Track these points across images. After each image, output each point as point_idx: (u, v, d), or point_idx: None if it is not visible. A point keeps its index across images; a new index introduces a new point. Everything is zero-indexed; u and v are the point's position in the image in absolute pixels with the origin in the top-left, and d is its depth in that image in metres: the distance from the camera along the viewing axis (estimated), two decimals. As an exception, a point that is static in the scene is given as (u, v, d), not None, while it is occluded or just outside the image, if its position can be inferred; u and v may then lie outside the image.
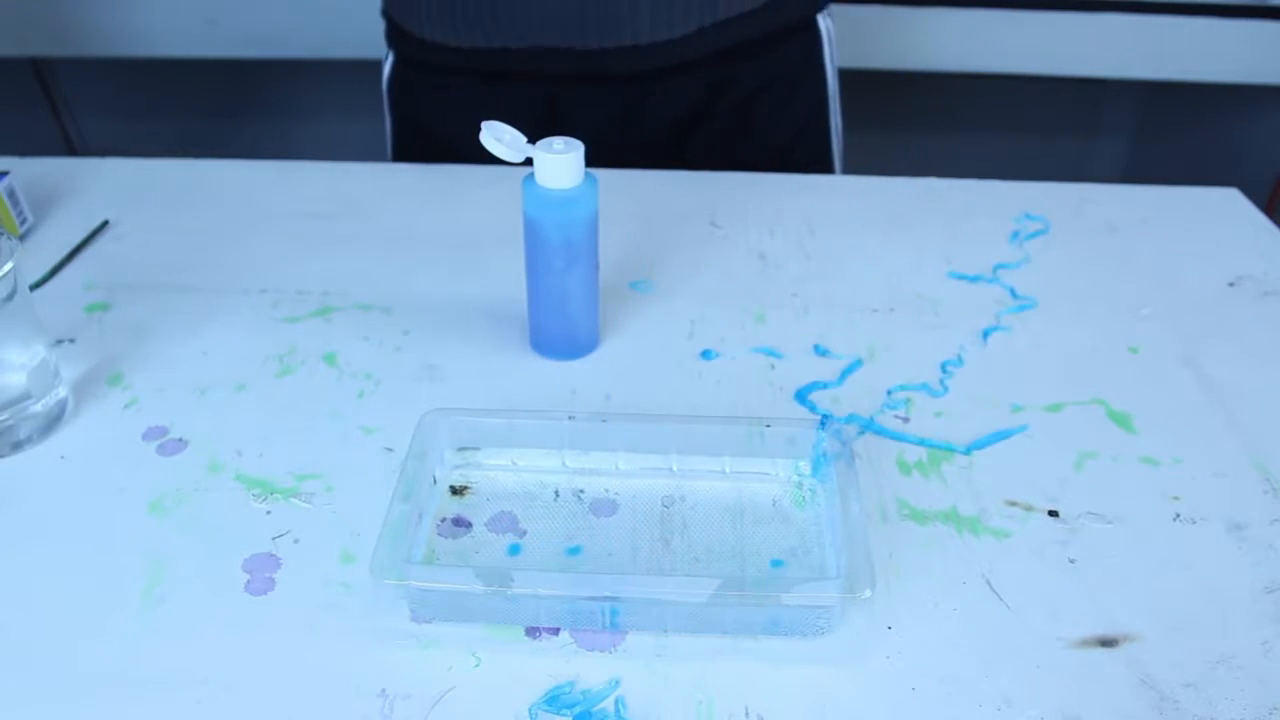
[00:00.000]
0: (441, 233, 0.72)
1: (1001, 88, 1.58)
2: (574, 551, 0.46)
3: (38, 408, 0.53)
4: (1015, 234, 0.72)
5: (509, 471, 0.51)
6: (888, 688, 0.42)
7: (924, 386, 0.58)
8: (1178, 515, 0.50)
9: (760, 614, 0.43)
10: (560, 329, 0.59)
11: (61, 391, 0.55)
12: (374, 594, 0.45)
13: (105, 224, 0.72)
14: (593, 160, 0.54)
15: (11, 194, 0.69)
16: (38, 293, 0.64)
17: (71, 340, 0.60)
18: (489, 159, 0.53)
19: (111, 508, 0.49)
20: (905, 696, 0.41)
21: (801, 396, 0.57)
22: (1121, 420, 0.56)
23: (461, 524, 0.48)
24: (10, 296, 0.50)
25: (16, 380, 0.51)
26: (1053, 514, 0.50)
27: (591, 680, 0.42)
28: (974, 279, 0.68)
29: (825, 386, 0.57)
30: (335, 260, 0.69)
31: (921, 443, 0.53)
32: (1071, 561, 0.47)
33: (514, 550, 0.47)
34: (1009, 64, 1.47)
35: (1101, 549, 0.48)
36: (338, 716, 0.40)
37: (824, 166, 0.88)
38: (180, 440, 0.53)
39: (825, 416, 0.52)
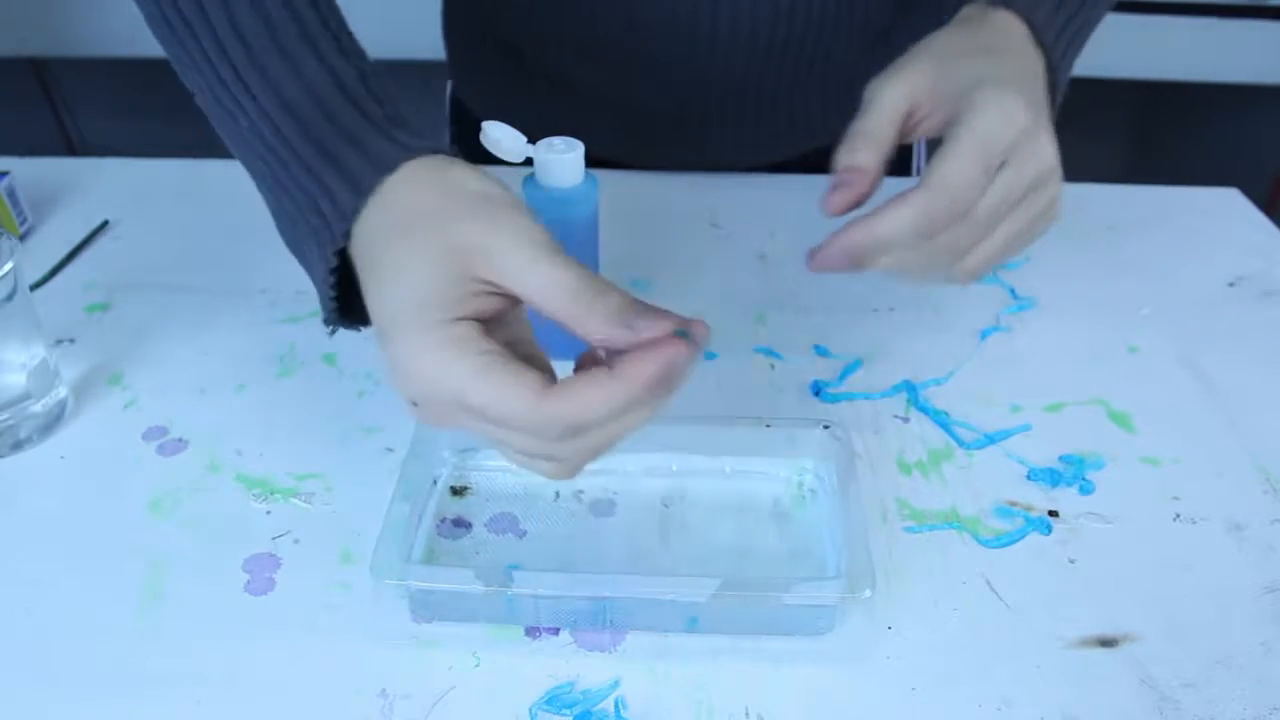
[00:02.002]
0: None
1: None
2: (511, 569, 0.43)
3: (38, 408, 0.53)
4: (1015, 234, 0.72)
5: (509, 472, 0.51)
6: (888, 688, 0.42)
7: (924, 386, 0.58)
8: (1178, 515, 0.50)
9: (760, 614, 0.43)
10: (560, 329, 0.58)
11: (61, 391, 0.55)
12: (374, 594, 0.45)
13: (105, 224, 0.72)
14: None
15: (11, 194, 0.69)
16: (38, 293, 0.64)
17: (71, 340, 0.60)
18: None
19: (111, 508, 0.49)
20: (905, 696, 0.41)
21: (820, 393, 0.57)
22: (1121, 420, 0.56)
23: (461, 524, 0.48)
24: (10, 296, 0.50)
25: (16, 380, 0.51)
26: (1053, 514, 0.50)
27: (591, 680, 0.42)
28: (974, 279, 0.67)
29: (829, 385, 0.58)
30: (335, 260, 0.69)
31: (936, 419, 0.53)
32: (1071, 561, 0.47)
33: (511, 569, 0.44)
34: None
35: (1101, 549, 0.48)
36: (338, 716, 0.40)
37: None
38: (180, 440, 0.53)
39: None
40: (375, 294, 0.38)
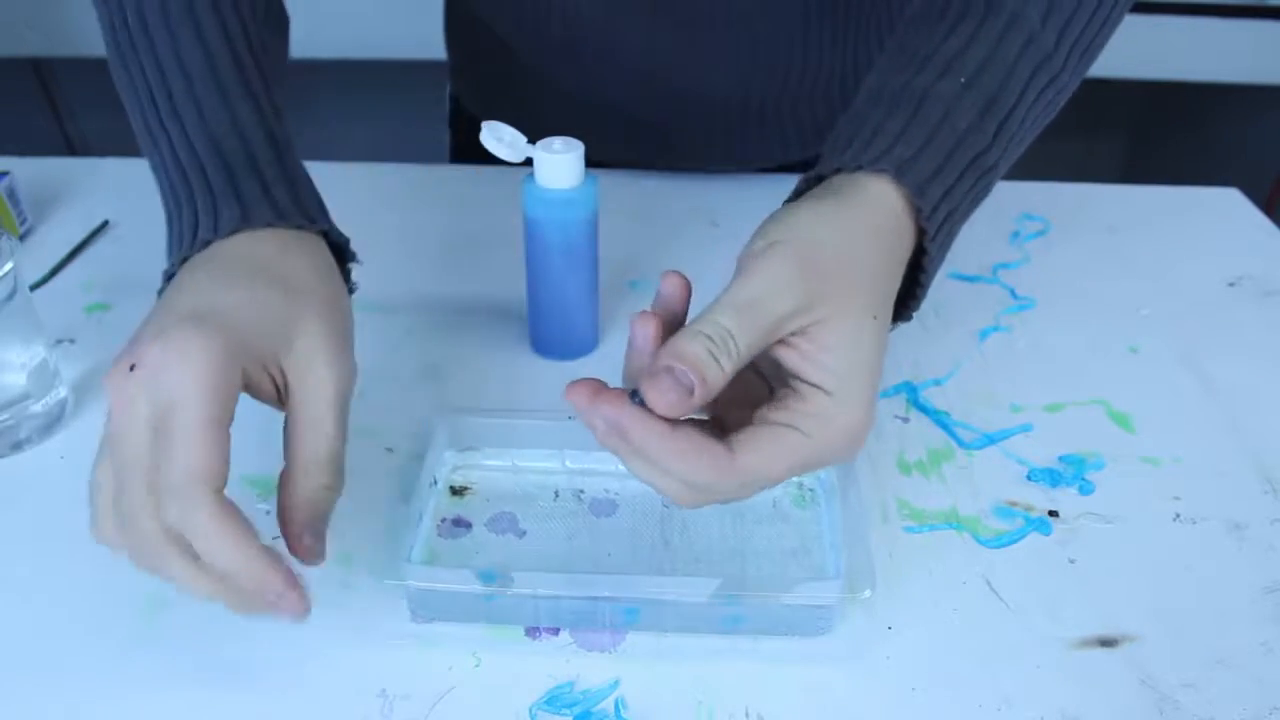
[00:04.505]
0: (441, 233, 0.72)
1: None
2: (488, 578, 0.42)
3: (38, 408, 0.53)
4: (1015, 234, 0.72)
5: (509, 472, 0.51)
6: (888, 688, 0.42)
7: (924, 386, 0.58)
8: (1178, 515, 0.50)
9: (760, 614, 0.43)
10: (560, 329, 0.59)
11: (61, 391, 0.55)
12: (374, 594, 0.45)
13: (105, 224, 0.72)
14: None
15: (11, 194, 0.69)
16: (38, 293, 0.64)
17: (71, 340, 0.60)
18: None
19: (111, 508, 0.49)
20: (905, 696, 0.41)
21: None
22: (1121, 420, 0.56)
23: (461, 524, 0.48)
24: (10, 296, 0.50)
25: (16, 380, 0.51)
26: (1053, 514, 0.50)
27: (591, 680, 0.42)
28: (974, 279, 0.67)
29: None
30: (335, 260, 0.69)
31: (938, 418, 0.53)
32: (1071, 561, 0.47)
33: (487, 577, 0.42)
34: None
35: (1101, 549, 0.48)
36: (338, 716, 0.40)
37: None
38: (180, 440, 0.53)
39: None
40: (193, 279, 0.42)
